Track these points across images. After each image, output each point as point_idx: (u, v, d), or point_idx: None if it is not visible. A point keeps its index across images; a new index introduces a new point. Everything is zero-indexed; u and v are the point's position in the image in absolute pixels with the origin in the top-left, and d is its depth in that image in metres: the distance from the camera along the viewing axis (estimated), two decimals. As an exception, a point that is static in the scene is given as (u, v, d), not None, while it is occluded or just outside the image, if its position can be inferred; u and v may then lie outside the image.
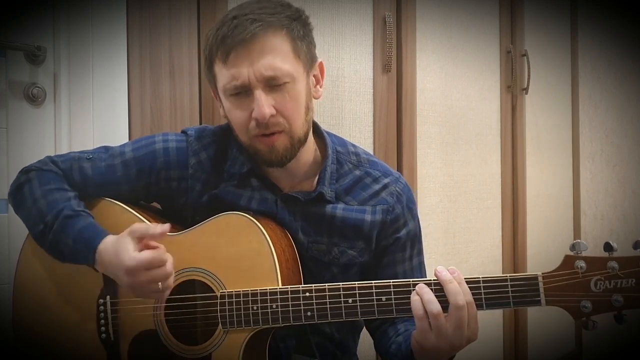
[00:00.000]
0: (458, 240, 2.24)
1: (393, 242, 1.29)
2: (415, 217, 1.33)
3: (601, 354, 3.12)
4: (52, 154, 1.65)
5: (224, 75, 1.15)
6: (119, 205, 1.26)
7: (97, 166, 1.27)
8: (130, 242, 1.10)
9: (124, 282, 1.11)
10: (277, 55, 1.14)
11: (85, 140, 1.74)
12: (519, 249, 2.52)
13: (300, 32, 1.18)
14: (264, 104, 1.13)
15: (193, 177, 1.26)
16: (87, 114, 1.76)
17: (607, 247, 1.04)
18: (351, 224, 1.25)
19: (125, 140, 1.78)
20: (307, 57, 1.21)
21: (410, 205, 1.31)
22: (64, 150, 1.69)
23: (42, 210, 1.19)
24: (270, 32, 1.13)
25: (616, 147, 3.35)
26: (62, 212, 1.18)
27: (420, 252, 1.35)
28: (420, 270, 1.35)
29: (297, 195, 1.25)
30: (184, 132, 1.31)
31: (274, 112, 1.14)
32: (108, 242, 1.14)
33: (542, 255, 2.69)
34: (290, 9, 1.19)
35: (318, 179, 1.27)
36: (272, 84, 1.14)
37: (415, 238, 1.33)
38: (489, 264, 2.39)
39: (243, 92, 1.15)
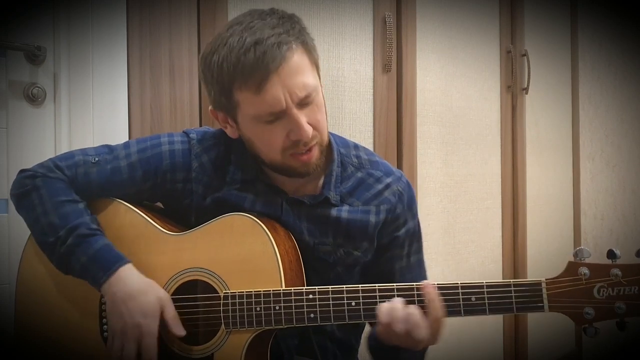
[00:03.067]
0: (458, 240, 2.24)
1: (392, 240, 1.30)
2: (415, 216, 1.34)
3: (601, 354, 3.13)
4: (52, 154, 1.67)
5: (255, 103, 1.12)
6: (124, 204, 1.26)
7: (103, 169, 1.26)
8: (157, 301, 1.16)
9: (113, 326, 1.15)
10: (304, 73, 1.13)
11: (85, 140, 1.74)
12: (519, 248, 2.53)
13: (311, 42, 1.18)
14: (305, 124, 1.13)
15: (196, 180, 1.26)
16: (87, 114, 1.76)
17: (611, 254, 1.04)
18: (357, 226, 1.26)
19: (126, 140, 1.77)
20: (317, 64, 1.21)
21: (410, 204, 1.32)
22: (64, 150, 1.68)
23: (53, 223, 1.19)
24: (294, 52, 1.12)
25: (616, 147, 3.36)
26: (77, 229, 1.18)
27: (419, 250, 1.36)
28: (419, 267, 1.36)
29: (303, 199, 1.25)
30: (185, 133, 1.31)
31: (311, 129, 1.14)
32: (135, 272, 1.18)
33: (542, 255, 2.70)
34: (292, 20, 1.16)
35: (323, 182, 1.27)
36: (304, 102, 1.13)
37: (414, 236, 1.33)
38: (489, 264, 2.39)
39: (276, 116, 1.13)
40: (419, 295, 1.10)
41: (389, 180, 1.30)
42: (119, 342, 1.15)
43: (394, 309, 1.08)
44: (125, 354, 1.14)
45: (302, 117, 1.13)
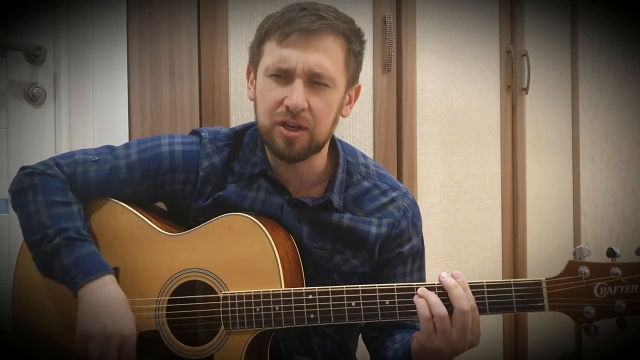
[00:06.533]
0: (458, 240, 2.24)
1: (395, 256, 1.30)
2: (419, 234, 1.34)
3: (601, 354, 3.13)
4: (52, 154, 1.66)
5: (273, 54, 1.15)
6: (120, 205, 1.26)
7: (102, 169, 1.26)
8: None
9: (90, 330, 1.13)
10: (329, 58, 1.15)
11: (85, 140, 1.74)
12: (519, 248, 2.52)
13: (357, 48, 1.21)
14: (301, 94, 1.13)
15: (204, 180, 1.26)
16: (87, 114, 1.76)
17: (611, 252, 1.04)
18: (357, 234, 1.26)
19: (126, 140, 1.77)
20: (353, 75, 1.23)
21: (415, 221, 1.32)
22: (64, 150, 1.69)
23: (43, 221, 1.19)
24: (332, 35, 1.15)
25: (616, 147, 3.35)
26: (66, 231, 1.18)
27: (421, 269, 1.35)
28: None
29: (305, 200, 1.25)
30: (196, 132, 1.31)
31: (306, 106, 1.14)
32: (116, 284, 1.17)
33: (542, 255, 2.70)
34: (355, 26, 1.21)
35: (327, 186, 1.27)
36: (314, 81, 1.15)
37: (417, 254, 1.33)
38: (489, 264, 2.39)
39: (283, 76, 1.15)
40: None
41: (394, 194, 1.31)
42: (96, 346, 1.12)
43: (426, 296, 1.07)
44: (105, 358, 1.12)
45: (302, 89, 1.14)
